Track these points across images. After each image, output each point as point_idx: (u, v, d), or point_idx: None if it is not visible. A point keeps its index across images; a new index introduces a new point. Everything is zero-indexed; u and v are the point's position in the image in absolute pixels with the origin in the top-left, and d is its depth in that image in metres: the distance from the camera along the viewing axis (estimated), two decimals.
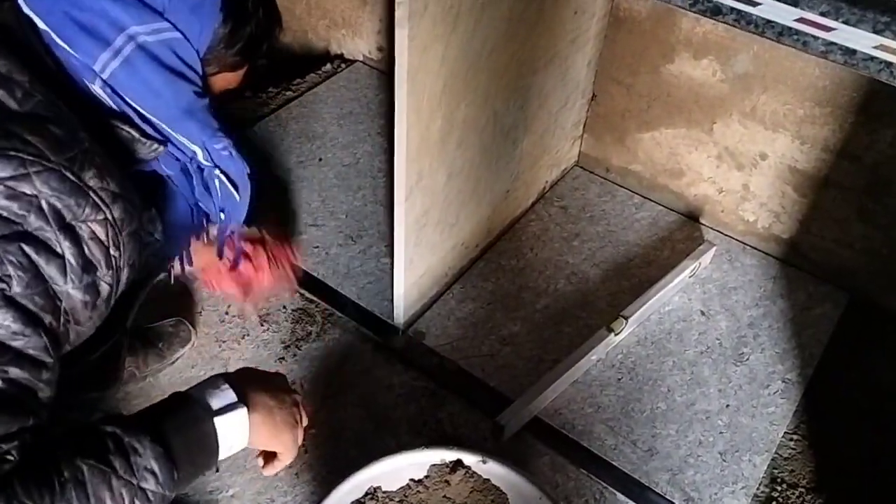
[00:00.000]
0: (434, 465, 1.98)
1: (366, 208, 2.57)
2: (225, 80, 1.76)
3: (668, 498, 2.12)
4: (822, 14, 1.82)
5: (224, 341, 2.25)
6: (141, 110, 1.52)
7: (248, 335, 2.28)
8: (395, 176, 2.10)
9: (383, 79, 3.05)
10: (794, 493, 2.14)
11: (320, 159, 2.71)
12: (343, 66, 3.03)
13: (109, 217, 1.34)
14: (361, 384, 2.27)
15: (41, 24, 1.42)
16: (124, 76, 1.44)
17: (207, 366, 2.20)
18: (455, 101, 2.14)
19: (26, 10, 1.43)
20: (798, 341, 2.46)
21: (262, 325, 2.37)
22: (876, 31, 1.77)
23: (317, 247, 2.49)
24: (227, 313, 2.31)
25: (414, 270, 2.32)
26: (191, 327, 2.24)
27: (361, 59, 3.03)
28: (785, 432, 2.23)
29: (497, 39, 2.17)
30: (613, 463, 2.16)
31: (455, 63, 2.07)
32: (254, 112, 2.86)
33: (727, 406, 2.27)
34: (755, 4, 1.79)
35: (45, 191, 1.24)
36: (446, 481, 1.98)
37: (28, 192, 1.23)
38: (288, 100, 2.88)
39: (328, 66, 3.04)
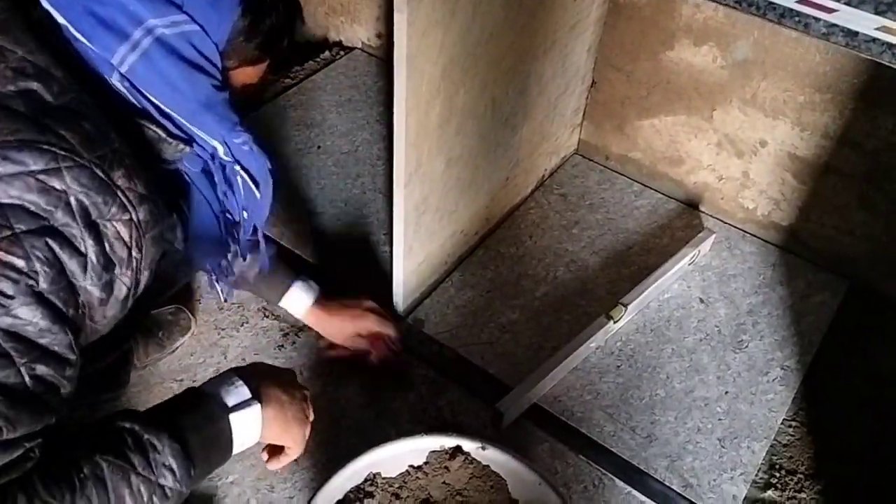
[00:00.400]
0: (433, 451, 1.99)
1: (365, 196, 2.59)
2: (245, 75, 1.78)
3: (667, 484, 2.14)
4: None
5: (223, 329, 2.26)
6: (160, 105, 1.53)
7: (247, 322, 2.30)
8: (394, 163, 2.11)
9: (382, 66, 3.08)
10: (792, 480, 2.16)
11: (319, 147, 2.73)
12: (342, 53, 3.06)
13: (135, 218, 1.39)
14: (361, 372, 2.29)
15: (60, 19, 1.44)
16: (143, 70, 1.46)
17: (206, 353, 2.22)
18: (454, 88, 2.15)
19: (45, 4, 1.44)
20: (797, 329, 2.47)
21: (260, 313, 2.32)
22: (878, 13, 1.76)
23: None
24: (225, 300, 2.25)
25: (413, 258, 2.34)
26: (190, 315, 2.25)
27: (360, 46, 3.07)
28: (784, 419, 2.25)
29: (496, 25, 2.18)
30: (612, 449, 2.17)
31: (454, 49, 2.07)
32: (252, 100, 2.89)
33: (726, 393, 2.29)
34: None
35: (75, 187, 1.30)
36: (445, 467, 2.00)
37: (58, 187, 1.29)
38: (286, 87, 2.91)
39: (327, 53, 3.07)
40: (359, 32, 3.03)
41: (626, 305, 2.37)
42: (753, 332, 2.43)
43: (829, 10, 1.91)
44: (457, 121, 2.21)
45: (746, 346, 2.39)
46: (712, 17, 2.36)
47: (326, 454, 2.13)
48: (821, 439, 2.29)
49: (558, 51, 2.46)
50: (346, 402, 2.20)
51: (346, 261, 2.50)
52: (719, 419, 2.24)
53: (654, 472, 2.15)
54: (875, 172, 2.38)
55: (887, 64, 1.84)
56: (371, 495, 1.99)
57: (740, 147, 2.52)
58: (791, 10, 1.95)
